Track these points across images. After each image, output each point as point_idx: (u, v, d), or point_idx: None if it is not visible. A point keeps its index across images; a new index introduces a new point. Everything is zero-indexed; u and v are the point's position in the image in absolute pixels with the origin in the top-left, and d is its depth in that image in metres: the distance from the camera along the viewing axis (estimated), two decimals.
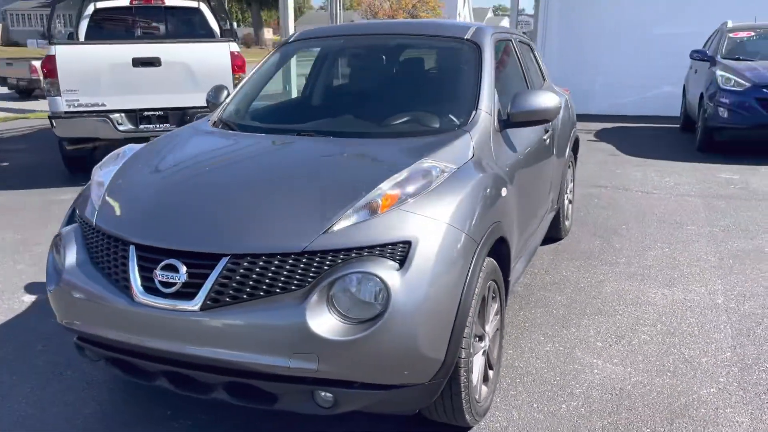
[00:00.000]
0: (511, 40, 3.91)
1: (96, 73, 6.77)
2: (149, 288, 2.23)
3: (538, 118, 3.07)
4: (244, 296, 2.12)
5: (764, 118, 7.97)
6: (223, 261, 2.16)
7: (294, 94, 7.66)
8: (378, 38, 3.71)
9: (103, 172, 2.81)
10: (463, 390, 2.41)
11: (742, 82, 8.16)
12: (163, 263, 2.21)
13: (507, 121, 3.11)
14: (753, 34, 9.48)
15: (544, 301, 3.90)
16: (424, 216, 2.26)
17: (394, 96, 3.37)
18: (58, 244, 2.57)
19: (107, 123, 6.83)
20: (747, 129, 8.22)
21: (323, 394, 2.19)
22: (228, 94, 3.69)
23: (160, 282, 2.20)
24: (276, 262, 2.14)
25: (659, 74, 12.79)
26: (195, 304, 2.15)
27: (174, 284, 2.18)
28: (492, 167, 2.81)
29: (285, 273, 2.12)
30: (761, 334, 3.44)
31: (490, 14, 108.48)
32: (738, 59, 8.88)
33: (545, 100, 3.05)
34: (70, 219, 2.70)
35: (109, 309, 2.29)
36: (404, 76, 3.56)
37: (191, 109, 7.04)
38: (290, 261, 2.13)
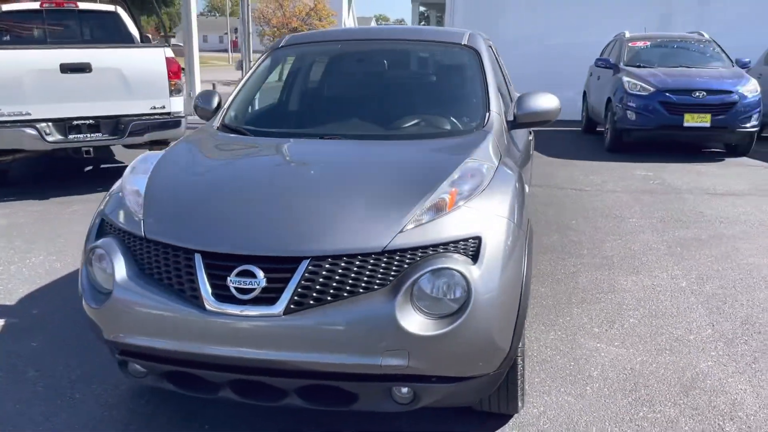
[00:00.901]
0: (491, 45, 4.09)
1: (18, 80, 6.30)
2: (221, 296, 2.17)
3: (543, 119, 3.25)
4: (328, 298, 2.12)
5: (667, 119, 8.72)
6: (304, 264, 2.14)
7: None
8: (377, 43, 3.77)
9: (134, 180, 2.68)
10: (519, 378, 2.53)
11: (647, 87, 8.89)
12: (238, 270, 2.16)
13: (513, 122, 3.27)
14: (649, 43, 10.34)
15: (531, 293, 4.10)
16: (487, 212, 2.36)
17: (407, 99, 3.44)
18: (97, 259, 2.42)
19: (33, 133, 6.37)
20: (652, 130, 8.96)
21: (403, 390, 2.23)
22: (220, 100, 3.62)
23: (236, 289, 2.15)
24: (357, 262, 2.15)
25: (560, 81, 13.63)
26: (277, 309, 2.12)
27: (251, 290, 2.14)
28: (513, 166, 2.95)
29: (367, 273, 2.15)
30: (729, 312, 3.82)
31: (373, 23, 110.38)
32: (639, 66, 9.65)
33: (548, 101, 3.24)
34: (100, 231, 2.56)
35: (176, 320, 2.20)
36: (412, 80, 3.64)
37: (125, 117, 6.72)
38: (371, 261, 2.16)
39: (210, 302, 2.16)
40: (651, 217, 5.93)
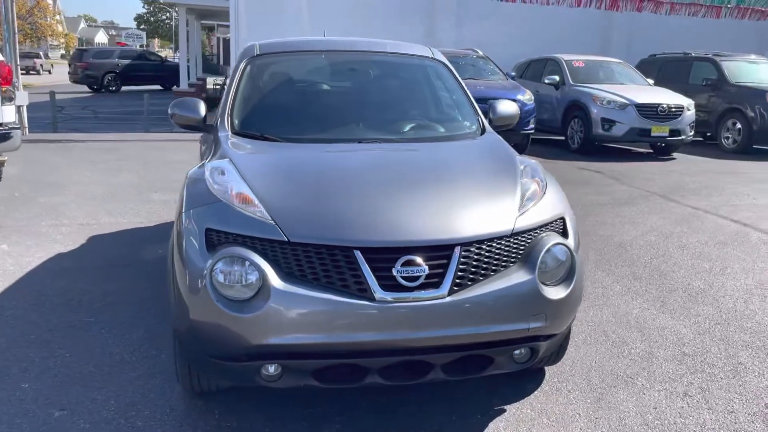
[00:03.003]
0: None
1: None
2: (387, 285, 2.36)
3: (509, 123, 3.86)
4: (479, 277, 2.47)
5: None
6: (457, 249, 2.45)
7: None
8: (356, 54, 3.99)
9: (232, 187, 2.63)
10: (570, 333, 3.10)
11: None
12: (403, 259, 2.38)
13: (491, 125, 3.83)
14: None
15: None
16: (558, 196, 2.90)
17: (410, 106, 3.77)
18: (228, 271, 2.38)
19: None
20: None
21: (522, 351, 2.65)
22: (205, 108, 3.56)
23: (403, 277, 2.37)
24: (495, 244, 2.53)
25: None
26: (442, 291, 2.39)
27: (417, 277, 2.38)
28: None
29: (504, 252, 2.54)
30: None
31: (83, 24, 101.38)
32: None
33: (513, 107, 3.87)
34: (209, 242, 2.48)
35: (345, 314, 2.34)
36: (407, 89, 3.94)
37: None
38: (504, 242, 2.56)
39: (379, 293, 2.35)
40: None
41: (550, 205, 2.80)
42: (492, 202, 2.71)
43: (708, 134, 12.66)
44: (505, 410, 2.95)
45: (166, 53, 55.05)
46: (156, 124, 14.16)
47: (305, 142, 3.27)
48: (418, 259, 2.40)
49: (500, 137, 3.51)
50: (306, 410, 2.89)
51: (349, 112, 3.66)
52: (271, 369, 2.47)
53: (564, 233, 2.77)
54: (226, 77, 19.83)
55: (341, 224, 2.47)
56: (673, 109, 10.71)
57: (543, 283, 2.55)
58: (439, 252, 2.44)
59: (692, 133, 11.08)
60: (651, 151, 11.59)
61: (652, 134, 10.60)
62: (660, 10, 15.41)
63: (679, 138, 10.80)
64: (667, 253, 5.34)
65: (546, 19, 15.44)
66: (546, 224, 2.72)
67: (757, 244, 5.67)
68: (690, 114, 10.94)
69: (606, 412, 2.95)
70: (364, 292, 2.36)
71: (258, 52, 3.85)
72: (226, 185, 2.68)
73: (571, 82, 11.75)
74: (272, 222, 2.47)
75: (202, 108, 3.54)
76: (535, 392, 3.11)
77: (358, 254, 2.38)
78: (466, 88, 3.88)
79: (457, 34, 15.23)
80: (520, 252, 2.58)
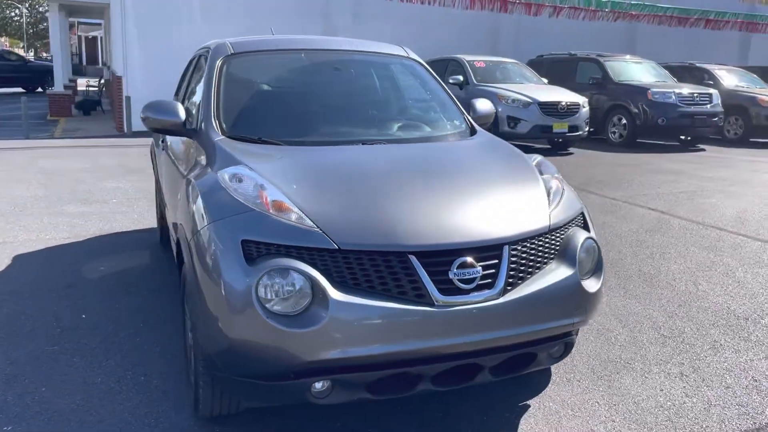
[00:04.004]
0: None
1: None
2: (443, 289, 2.31)
3: (489, 121, 3.90)
4: (527, 275, 2.47)
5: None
6: (506, 248, 2.44)
7: None
8: (334, 53, 3.82)
9: (268, 195, 2.44)
10: None
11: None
12: (458, 262, 2.33)
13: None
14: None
15: None
16: (572, 190, 2.97)
17: (401, 106, 3.69)
18: (274, 285, 2.22)
19: None
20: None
21: (556, 347, 2.68)
22: (183, 109, 3.30)
23: (459, 280, 2.33)
24: (536, 241, 2.55)
25: None
26: (495, 292, 2.37)
27: (472, 279, 2.35)
28: None
29: (545, 249, 2.56)
30: None
31: None
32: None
33: (490, 105, 3.92)
34: (247, 256, 2.29)
35: (406, 321, 2.26)
36: (393, 88, 3.83)
37: None
38: (544, 238, 2.58)
39: (438, 297, 2.29)
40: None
41: (571, 200, 2.86)
42: (526, 200, 2.72)
43: (591, 129, 13.54)
44: (529, 405, 2.98)
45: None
46: (35, 129, 13.07)
47: (308, 145, 3.11)
48: (473, 261, 2.36)
49: (491, 135, 3.54)
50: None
51: (343, 113, 3.53)
52: (320, 385, 2.33)
53: (585, 227, 2.84)
54: (101, 78, 18.77)
55: (392, 229, 2.37)
56: (571, 107, 11.34)
57: (584, 275, 2.60)
58: (489, 252, 2.41)
59: (587, 128, 11.79)
60: (549, 146, 12.20)
61: (554, 130, 11.17)
62: (542, 12, 16.23)
63: (577, 133, 11.46)
64: (609, 242, 5.63)
65: (441, 19, 15.81)
66: (573, 219, 2.77)
67: (681, 230, 6.13)
68: (585, 111, 11.64)
69: (620, 398, 3.06)
70: (422, 298, 2.28)
71: (232, 51, 3.62)
72: (254, 193, 2.49)
73: (475, 81, 12.11)
74: (318, 229, 2.33)
75: (182, 110, 3.28)
76: (549, 386, 3.16)
77: (414, 259, 2.31)
78: (446, 88, 3.87)
79: (355, 33, 15.20)
80: (557, 248, 2.61)
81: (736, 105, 13.98)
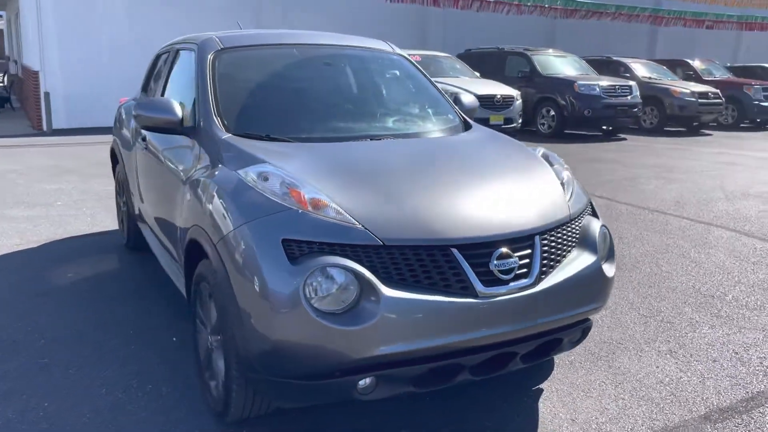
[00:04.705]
0: None
1: None
2: (485, 281, 2.36)
3: (474, 114, 3.99)
4: (555, 264, 2.57)
5: None
6: (537, 238, 2.52)
7: None
8: (325, 48, 3.76)
9: (304, 192, 2.40)
10: None
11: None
12: (498, 253, 2.39)
13: None
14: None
15: None
16: (577, 181, 3.09)
17: (398, 101, 3.69)
18: (322, 284, 2.21)
19: None
20: None
21: (573, 333, 2.79)
22: (183, 107, 3.19)
23: (499, 271, 2.39)
24: (561, 230, 2.64)
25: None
26: (531, 281, 2.45)
27: (511, 270, 2.41)
28: None
29: (568, 237, 2.67)
30: None
31: None
32: None
33: (473, 98, 4.01)
34: (289, 255, 2.26)
35: (452, 314, 2.29)
36: (388, 84, 3.80)
37: None
38: (567, 228, 2.68)
39: (481, 289, 2.34)
40: None
41: (581, 189, 2.98)
42: (546, 191, 2.81)
43: (520, 121, 13.98)
44: (542, 389, 3.09)
45: None
46: None
47: (317, 141, 3.07)
48: (511, 252, 2.42)
49: (487, 128, 3.62)
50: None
51: (345, 108, 3.50)
52: (365, 381, 2.34)
53: (594, 214, 2.97)
54: (5, 73, 17.68)
55: (433, 223, 2.40)
56: (506, 99, 11.67)
57: (601, 261, 2.72)
58: (523, 243, 2.48)
59: (521, 120, 12.17)
60: None
61: (490, 123, 11.44)
62: (470, 6, 16.56)
63: (512, 126, 11.80)
64: None
65: (371, 12, 15.85)
66: (586, 208, 2.89)
67: (630, 216, 6.47)
68: (519, 103, 12.01)
69: (623, 377, 3.22)
70: (466, 290, 2.33)
71: (222, 46, 3.51)
72: (285, 190, 2.44)
73: None
74: (360, 226, 2.33)
75: (178, 108, 3.17)
76: (555, 370, 3.28)
77: (456, 252, 2.34)
78: (434, 82, 3.92)
79: (285, 26, 15.05)
80: (576, 237, 2.72)
81: (652, 96, 14.81)
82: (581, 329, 2.77)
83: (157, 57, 4.62)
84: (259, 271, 2.28)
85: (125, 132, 4.67)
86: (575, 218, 2.75)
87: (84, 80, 13.32)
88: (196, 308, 2.92)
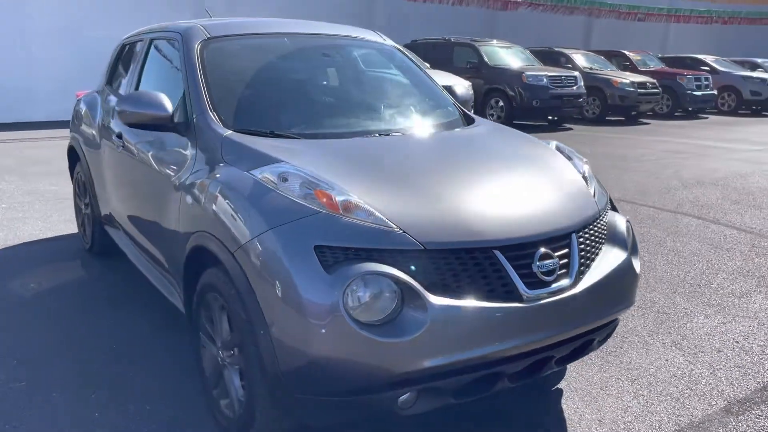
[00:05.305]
0: None
1: None
2: (529, 283, 2.24)
3: (471, 105, 3.87)
4: (590, 262, 2.47)
5: None
6: (573, 237, 2.42)
7: None
8: (316, 38, 3.53)
9: (334, 194, 2.20)
10: None
11: None
12: (539, 253, 2.27)
13: None
14: None
15: None
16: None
17: (400, 94, 3.51)
18: (373, 291, 2.04)
19: None
20: None
21: (604, 333, 2.71)
22: (170, 101, 2.93)
23: (541, 273, 2.27)
24: (593, 227, 2.55)
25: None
26: (571, 281, 2.34)
27: (552, 271, 2.30)
28: None
29: (599, 233, 2.58)
30: None
31: None
32: None
33: (464, 90, 3.89)
34: (323, 263, 2.08)
35: (501, 321, 2.16)
36: (386, 77, 3.59)
37: None
38: (597, 224, 2.59)
39: (525, 292, 2.22)
40: None
41: (598, 184, 2.90)
42: (573, 186, 2.71)
43: (472, 112, 14.04)
44: (562, 389, 3.01)
45: None
46: None
47: (325, 138, 2.87)
48: (551, 252, 2.31)
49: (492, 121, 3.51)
50: None
51: (346, 102, 3.30)
52: (407, 395, 2.18)
53: (615, 208, 2.90)
54: None
55: (473, 224, 2.25)
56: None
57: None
58: (561, 242, 2.38)
59: (472, 111, 12.16)
60: None
61: None
62: None
63: None
64: None
65: (314, 1, 15.54)
66: (608, 202, 2.81)
67: None
68: (471, 94, 11.99)
69: (636, 372, 3.18)
70: (510, 294, 2.20)
71: (209, 35, 3.24)
72: (308, 192, 2.24)
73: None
74: (399, 230, 2.16)
75: (168, 102, 2.90)
76: (570, 368, 3.21)
77: (498, 254, 2.21)
78: (428, 74, 3.77)
79: (229, 13, 14.54)
80: (605, 232, 2.63)
81: (593, 86, 15.13)
82: (610, 328, 2.70)
83: (122, 47, 4.28)
84: (291, 282, 2.08)
85: (89, 128, 4.31)
86: (602, 213, 2.67)
87: (8, 71, 12.48)
88: (199, 321, 2.69)
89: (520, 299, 2.20)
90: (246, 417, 2.38)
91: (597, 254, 2.52)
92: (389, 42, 3.86)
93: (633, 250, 2.73)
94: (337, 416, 2.28)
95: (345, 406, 2.18)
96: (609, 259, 2.54)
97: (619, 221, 2.71)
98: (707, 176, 8.24)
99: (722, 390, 3.03)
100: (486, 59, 13.78)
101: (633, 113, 15.80)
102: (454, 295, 2.13)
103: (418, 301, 2.06)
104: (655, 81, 15.91)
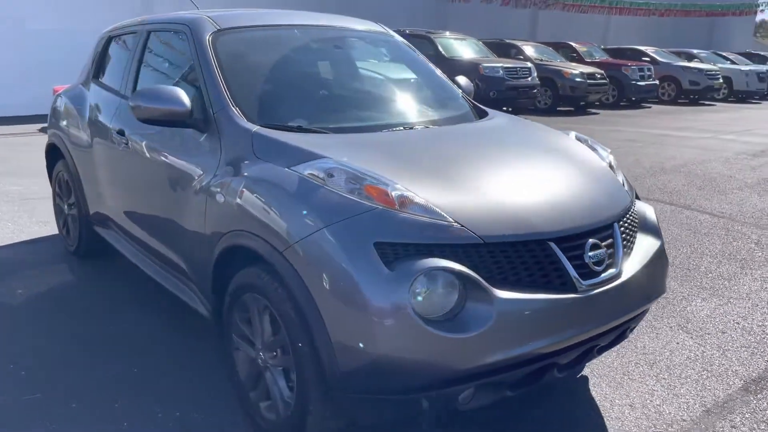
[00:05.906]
0: None
1: None
2: (582, 274, 2.26)
3: (472, 97, 3.87)
4: (630, 250, 2.52)
5: None
6: (616, 226, 2.45)
7: None
8: (325, 30, 3.44)
9: (389, 189, 2.15)
10: None
11: None
12: (590, 244, 2.29)
13: None
14: None
15: None
16: None
17: (417, 86, 3.48)
18: (439, 287, 2.02)
19: None
20: None
21: (638, 320, 2.76)
22: (186, 95, 2.81)
23: (593, 263, 2.29)
24: (627, 216, 2.59)
25: (55, 71, 12.43)
26: (618, 270, 2.38)
27: (602, 261, 2.32)
28: None
29: (634, 222, 2.62)
30: None
31: None
32: None
33: (466, 81, 3.89)
34: (384, 258, 2.04)
35: (560, 313, 2.18)
36: (402, 69, 3.54)
37: None
38: (632, 213, 2.64)
39: (580, 284, 2.24)
40: None
41: (621, 173, 2.96)
42: (605, 176, 2.74)
43: None
44: (587, 376, 3.06)
45: None
46: None
47: (353, 132, 2.81)
48: (600, 242, 2.34)
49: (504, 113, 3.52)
50: None
51: (366, 95, 3.25)
52: (468, 391, 2.17)
53: (637, 197, 2.96)
54: None
55: (528, 216, 2.25)
56: None
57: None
58: (606, 231, 2.41)
59: None
60: None
61: None
62: None
63: None
64: None
65: None
66: (634, 193, 2.87)
67: None
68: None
69: (653, 356, 3.27)
70: (565, 285, 2.21)
71: (219, 26, 3.12)
72: (357, 187, 2.20)
73: None
74: (458, 224, 2.14)
75: (186, 97, 2.78)
76: None
77: (554, 246, 2.22)
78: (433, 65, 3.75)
79: (181, 5, 14.10)
80: (637, 221, 2.68)
81: (545, 77, 15.42)
82: (641, 316, 2.76)
83: (109, 40, 4.09)
84: (352, 281, 2.04)
85: (76, 124, 4.10)
86: (635, 202, 2.72)
87: None
88: (231, 323, 2.60)
89: (575, 290, 2.22)
90: (295, 418, 2.32)
91: (634, 242, 2.57)
92: (393, 33, 3.82)
93: (659, 237, 2.80)
94: (393, 414, 2.25)
95: (407, 404, 2.16)
96: (645, 247, 2.59)
97: (647, 209, 2.77)
98: (668, 163, 8.53)
99: (736, 370, 3.14)
100: (442, 51, 13.85)
101: (582, 103, 16.19)
102: (514, 289, 2.12)
103: (482, 296, 2.05)
104: (602, 72, 16.34)
